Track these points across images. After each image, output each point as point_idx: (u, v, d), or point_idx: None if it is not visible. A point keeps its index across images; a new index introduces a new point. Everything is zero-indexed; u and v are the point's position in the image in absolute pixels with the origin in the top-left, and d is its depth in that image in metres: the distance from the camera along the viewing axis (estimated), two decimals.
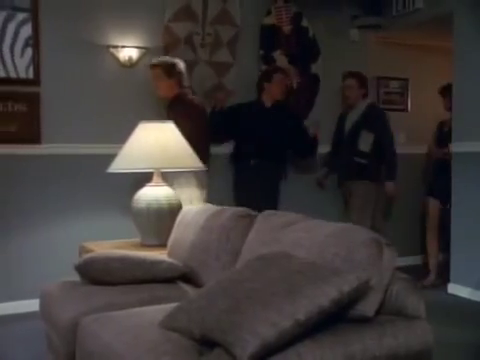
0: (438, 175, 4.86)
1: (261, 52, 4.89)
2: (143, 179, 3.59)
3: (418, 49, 5.60)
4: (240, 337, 1.64)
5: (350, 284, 1.77)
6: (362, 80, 4.77)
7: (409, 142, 5.48)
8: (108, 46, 4.27)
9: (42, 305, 2.81)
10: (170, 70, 3.94)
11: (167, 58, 4.07)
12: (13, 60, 3.99)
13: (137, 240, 3.43)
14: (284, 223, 2.35)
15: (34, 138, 4.05)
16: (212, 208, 2.97)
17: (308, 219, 2.36)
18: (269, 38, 4.90)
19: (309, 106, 5.11)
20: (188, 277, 2.78)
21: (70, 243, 3.83)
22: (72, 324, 2.39)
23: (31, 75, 4.04)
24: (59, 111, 4.14)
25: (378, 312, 1.92)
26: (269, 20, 4.91)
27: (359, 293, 1.82)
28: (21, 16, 3.98)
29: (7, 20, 3.95)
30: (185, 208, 3.22)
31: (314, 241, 2.09)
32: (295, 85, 5.02)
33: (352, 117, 4.76)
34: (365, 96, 4.81)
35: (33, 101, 4.05)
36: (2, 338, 3.59)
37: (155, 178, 3.54)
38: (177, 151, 3.54)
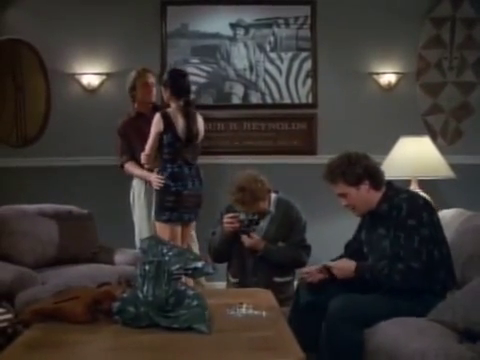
0: None
1: None
2: None
3: None
4: None
5: None
6: None
7: None
8: (370, 73, 4.25)
9: None
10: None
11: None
12: (297, 89, 4.24)
13: None
14: None
15: (311, 150, 4.21)
16: (466, 213, 2.81)
17: None
18: None
19: None
20: None
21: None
22: None
23: (310, 100, 4.25)
24: (332, 128, 4.18)
25: None
26: None
27: None
28: (303, 55, 4.23)
29: (292, 59, 4.23)
30: (442, 212, 3.10)
31: None
32: None
33: None
34: None
35: (311, 121, 4.23)
36: None
37: (413, 184, 3.51)
38: (431, 162, 3.49)
